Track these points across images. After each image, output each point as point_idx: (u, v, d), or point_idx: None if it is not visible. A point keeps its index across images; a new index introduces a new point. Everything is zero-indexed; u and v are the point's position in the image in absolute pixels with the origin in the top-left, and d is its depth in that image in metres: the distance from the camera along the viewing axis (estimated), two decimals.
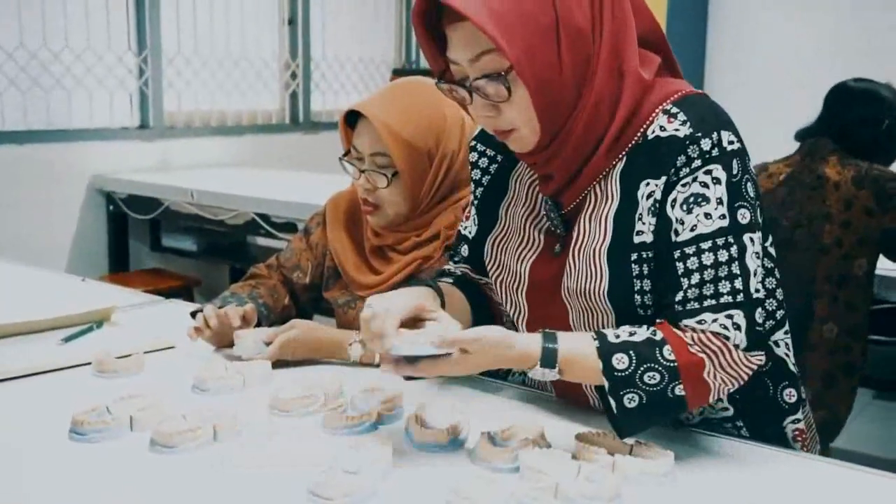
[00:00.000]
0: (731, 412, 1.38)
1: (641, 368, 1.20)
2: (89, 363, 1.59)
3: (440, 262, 1.68)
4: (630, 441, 1.22)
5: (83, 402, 1.32)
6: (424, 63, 5.95)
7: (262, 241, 4.38)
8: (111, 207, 4.35)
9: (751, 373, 1.25)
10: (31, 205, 4.10)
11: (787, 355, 1.39)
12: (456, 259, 1.54)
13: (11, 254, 3.47)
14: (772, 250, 1.32)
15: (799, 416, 1.41)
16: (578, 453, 1.20)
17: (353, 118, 1.73)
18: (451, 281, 1.50)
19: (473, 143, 1.50)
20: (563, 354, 1.22)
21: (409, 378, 1.54)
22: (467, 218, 1.52)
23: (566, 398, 1.45)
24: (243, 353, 1.60)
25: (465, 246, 1.51)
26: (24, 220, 4.08)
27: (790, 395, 1.40)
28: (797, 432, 1.41)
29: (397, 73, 5.70)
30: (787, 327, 1.37)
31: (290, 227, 3.71)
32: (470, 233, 1.50)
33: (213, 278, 4.75)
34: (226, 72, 4.92)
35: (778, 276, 1.34)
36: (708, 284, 1.22)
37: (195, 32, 4.76)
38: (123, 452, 1.24)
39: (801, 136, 2.62)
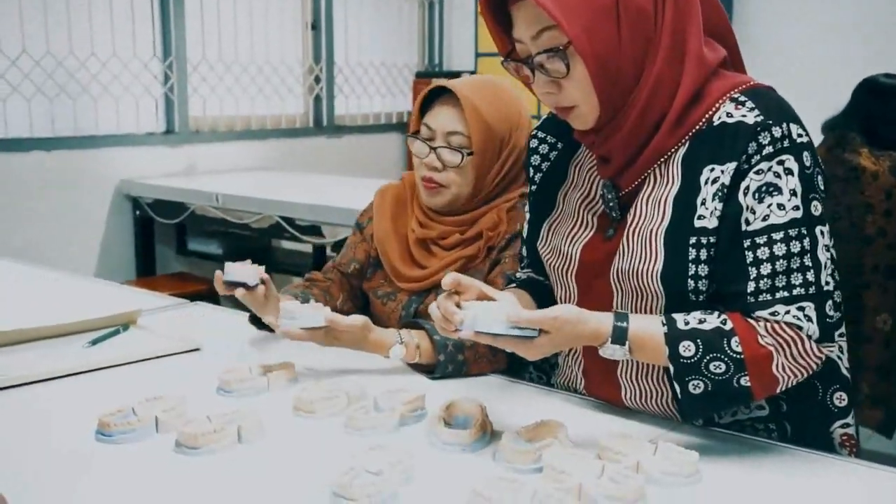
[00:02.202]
0: (766, 412, 1.37)
1: (707, 357, 1.21)
2: (115, 366, 1.61)
3: (483, 262, 1.72)
4: (653, 442, 1.21)
5: (109, 404, 1.33)
6: (447, 66, 5.98)
7: (286, 244, 4.40)
8: (137, 212, 4.39)
9: (820, 363, 1.26)
10: (58, 210, 4.15)
11: (839, 358, 1.37)
12: (523, 265, 1.59)
13: (40, 258, 3.52)
14: (833, 250, 1.31)
15: (849, 420, 1.39)
16: (602, 454, 1.19)
17: (429, 100, 1.76)
18: (514, 285, 1.54)
19: (535, 131, 1.54)
20: (632, 334, 1.23)
21: (434, 378, 1.55)
22: (528, 223, 1.55)
23: (597, 396, 1.45)
24: (299, 315, 1.56)
25: (525, 249, 1.56)
26: (52, 225, 4.12)
27: (840, 398, 1.38)
28: (845, 437, 1.39)
29: (420, 76, 5.71)
30: (843, 329, 1.35)
31: (314, 230, 3.72)
32: (527, 235, 1.54)
33: None
34: (250, 76, 4.95)
35: (837, 276, 1.32)
36: (780, 276, 1.23)
37: (219, 38, 4.79)
38: (149, 454, 1.25)
39: (828, 126, 2.60)
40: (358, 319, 1.57)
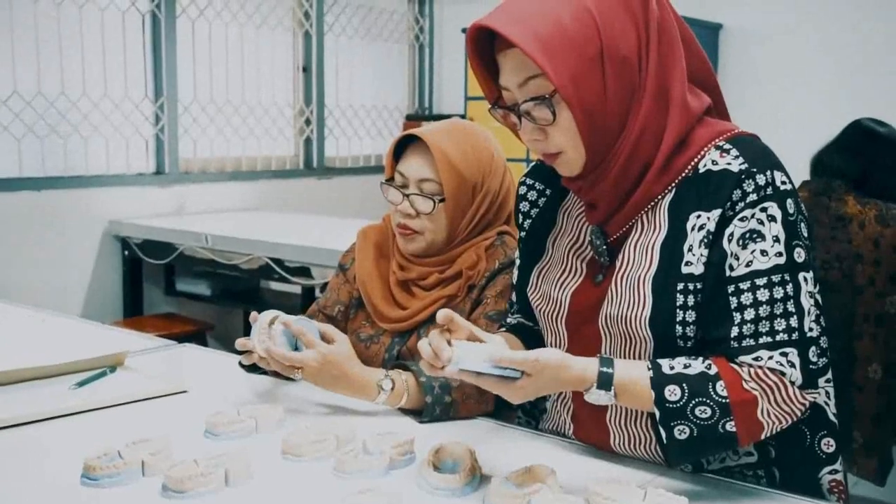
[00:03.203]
0: (754, 458, 1.36)
1: (693, 402, 1.22)
2: (101, 408, 1.60)
3: (464, 301, 1.72)
4: (643, 487, 1.21)
5: (95, 447, 1.31)
6: (437, 110, 6.03)
7: (275, 285, 4.39)
8: (126, 252, 4.38)
9: (804, 409, 1.26)
10: (47, 250, 4.14)
11: (826, 404, 1.38)
12: (512, 310, 1.59)
13: (28, 298, 3.50)
14: (818, 296, 1.32)
15: (837, 466, 1.39)
16: (591, 499, 1.19)
17: (400, 147, 1.77)
18: (504, 329, 1.55)
19: (523, 178, 1.55)
20: (618, 379, 1.23)
21: (423, 421, 1.54)
22: (517, 268, 1.56)
23: (586, 441, 1.45)
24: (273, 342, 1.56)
25: (515, 294, 1.57)
26: (40, 264, 4.11)
27: (828, 444, 1.38)
28: (833, 483, 1.39)
29: (410, 118, 5.75)
30: (829, 375, 1.36)
31: (303, 271, 3.72)
32: (516, 281, 1.55)
33: (226, 323, 4.76)
34: (241, 118, 4.98)
35: (823, 322, 1.33)
36: (763, 321, 1.24)
37: (211, 79, 4.83)
38: (135, 497, 1.23)
39: (819, 163, 2.57)
40: (344, 337, 1.60)
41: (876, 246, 2.41)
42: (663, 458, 1.33)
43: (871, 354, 2.43)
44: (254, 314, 1.61)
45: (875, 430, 2.44)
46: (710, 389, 1.22)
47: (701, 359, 1.25)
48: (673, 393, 1.22)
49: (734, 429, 1.22)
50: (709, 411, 1.21)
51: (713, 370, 1.23)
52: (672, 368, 1.24)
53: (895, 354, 2.46)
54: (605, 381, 1.23)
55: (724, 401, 1.21)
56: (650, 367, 1.25)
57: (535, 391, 1.25)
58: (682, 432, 1.23)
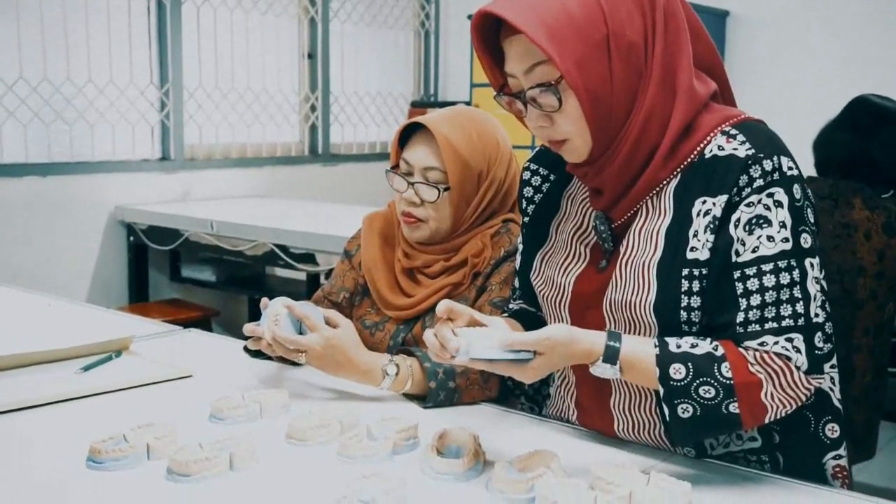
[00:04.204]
0: (758, 443, 1.37)
1: (697, 381, 1.22)
2: (107, 392, 1.60)
3: (469, 289, 1.72)
4: (646, 472, 1.21)
5: (101, 431, 1.32)
6: (442, 97, 6.01)
7: (280, 272, 4.39)
8: (132, 238, 4.39)
9: (809, 394, 1.26)
10: (53, 235, 4.15)
11: (831, 389, 1.38)
12: (514, 296, 1.59)
13: (34, 283, 3.51)
14: (824, 282, 1.32)
15: (841, 452, 1.39)
16: (595, 484, 1.19)
17: (406, 134, 1.77)
18: (507, 315, 1.55)
19: (527, 163, 1.55)
20: (624, 354, 1.24)
21: (427, 406, 1.55)
22: (519, 254, 1.56)
23: (589, 427, 1.45)
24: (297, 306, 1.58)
25: (517, 280, 1.57)
26: (46, 250, 4.12)
27: (832, 430, 1.38)
28: (837, 469, 1.39)
29: (415, 105, 5.74)
30: (834, 361, 1.36)
31: (308, 257, 3.72)
32: (519, 266, 1.55)
33: (231, 309, 4.77)
34: (246, 104, 4.97)
35: (828, 308, 1.32)
36: (769, 307, 1.24)
37: (216, 66, 4.82)
38: (140, 481, 1.24)
39: (823, 145, 2.44)
40: (348, 322, 1.61)
41: (880, 259, 2.30)
42: (667, 437, 1.34)
43: (867, 367, 2.39)
44: (265, 300, 1.61)
45: (868, 437, 2.43)
46: (715, 370, 1.22)
47: (709, 340, 1.25)
48: (678, 371, 1.22)
49: (737, 410, 1.22)
50: (713, 391, 1.22)
51: (720, 351, 1.23)
52: (679, 347, 1.24)
53: (886, 358, 2.42)
54: (611, 355, 1.24)
55: (728, 382, 1.21)
56: (657, 344, 1.25)
57: (547, 369, 1.26)
58: (685, 411, 1.23)
